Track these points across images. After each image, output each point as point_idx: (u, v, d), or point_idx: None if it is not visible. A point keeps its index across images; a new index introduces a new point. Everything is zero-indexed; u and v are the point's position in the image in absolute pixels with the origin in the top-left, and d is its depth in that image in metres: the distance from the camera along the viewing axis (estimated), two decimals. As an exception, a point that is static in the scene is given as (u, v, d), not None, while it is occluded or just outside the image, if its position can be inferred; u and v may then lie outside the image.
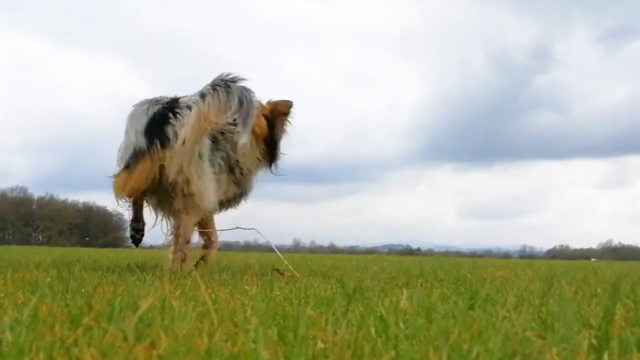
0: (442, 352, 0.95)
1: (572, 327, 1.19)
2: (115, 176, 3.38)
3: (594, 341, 1.08)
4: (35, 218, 56.15)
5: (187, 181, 3.34)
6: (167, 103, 3.34)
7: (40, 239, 56.28)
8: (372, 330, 1.15)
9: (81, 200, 60.39)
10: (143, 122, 3.30)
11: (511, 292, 2.25)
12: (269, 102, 3.76)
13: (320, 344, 1.03)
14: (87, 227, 57.09)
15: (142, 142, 3.27)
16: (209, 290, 2.00)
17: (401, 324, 1.21)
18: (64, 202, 58.64)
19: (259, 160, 3.71)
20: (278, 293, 2.04)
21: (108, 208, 60.29)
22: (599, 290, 2.45)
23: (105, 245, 40.95)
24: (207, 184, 3.42)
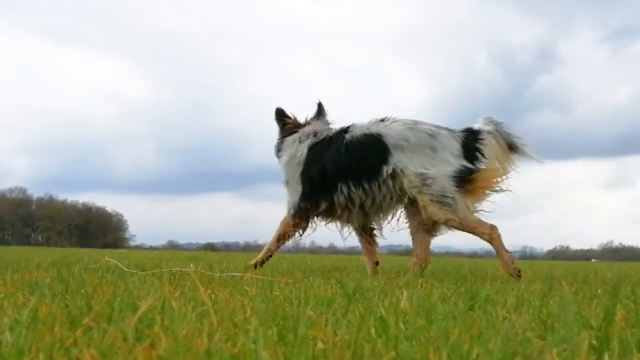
0: (442, 353, 0.95)
1: (572, 327, 1.19)
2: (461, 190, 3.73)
3: (594, 342, 1.07)
4: (34, 219, 56.14)
5: None
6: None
7: (40, 239, 56.27)
8: (372, 331, 1.15)
9: (80, 201, 60.48)
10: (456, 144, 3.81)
11: (511, 292, 2.25)
12: None
13: (320, 345, 1.03)
14: (86, 228, 57.11)
15: (467, 164, 3.77)
16: (209, 291, 2.00)
17: (401, 324, 1.21)
18: (64, 203, 58.68)
19: None
20: (278, 293, 2.03)
21: (107, 209, 60.51)
22: (599, 291, 2.45)
23: (105, 245, 40.94)
24: None
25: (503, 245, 3.69)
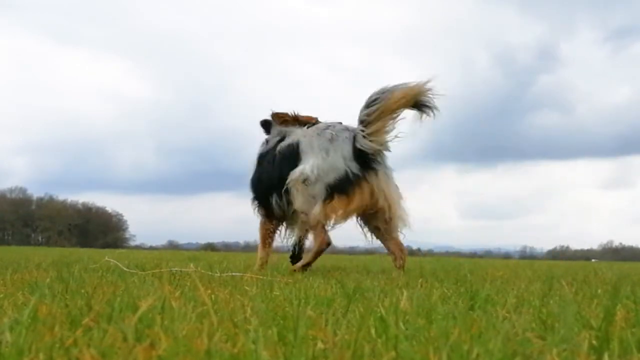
0: (442, 353, 0.95)
1: (572, 327, 1.19)
2: (327, 200, 3.79)
3: (594, 342, 1.07)
4: (34, 218, 56.12)
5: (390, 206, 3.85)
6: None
7: (40, 239, 56.24)
8: (372, 331, 1.15)
9: (80, 201, 60.46)
10: (348, 148, 3.80)
11: (511, 292, 2.25)
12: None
13: (320, 345, 1.03)
14: (86, 228, 57.09)
15: (354, 167, 3.76)
16: (209, 291, 2.00)
17: (401, 324, 1.21)
18: (64, 203, 58.67)
19: None
20: (278, 293, 2.03)
21: (107, 209, 60.51)
22: (599, 291, 2.45)
23: (105, 245, 40.93)
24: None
25: (315, 256, 3.88)
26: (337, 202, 3.76)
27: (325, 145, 3.89)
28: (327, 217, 3.81)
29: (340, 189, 3.76)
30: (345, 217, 3.86)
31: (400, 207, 3.90)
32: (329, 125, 4.02)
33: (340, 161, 3.80)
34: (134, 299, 1.49)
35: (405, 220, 3.95)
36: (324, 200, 3.78)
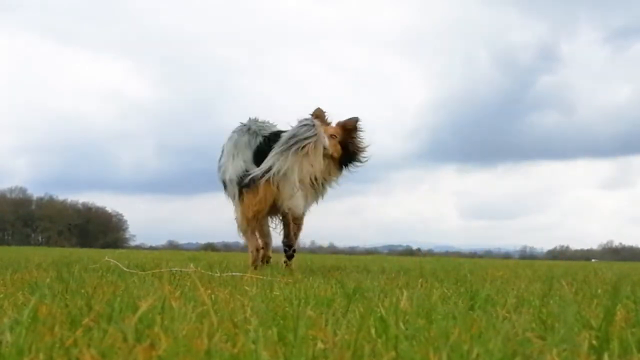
0: (442, 353, 0.95)
1: (572, 327, 1.19)
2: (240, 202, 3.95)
3: (594, 342, 1.07)
4: (34, 219, 56.05)
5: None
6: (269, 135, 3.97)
7: (40, 239, 56.18)
8: (372, 331, 1.15)
9: (80, 201, 60.38)
10: (249, 153, 3.93)
11: (511, 292, 2.25)
12: (337, 124, 4.26)
13: (320, 345, 1.03)
14: (86, 228, 57.04)
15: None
16: (209, 291, 2.00)
17: (401, 324, 1.21)
18: (64, 203, 58.57)
19: (335, 174, 4.29)
20: (278, 293, 2.03)
21: (107, 209, 60.45)
22: (599, 291, 2.45)
23: (105, 246, 40.90)
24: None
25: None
26: (245, 204, 3.88)
27: (231, 150, 4.02)
28: (246, 222, 3.95)
29: (243, 192, 3.87)
30: (254, 218, 3.95)
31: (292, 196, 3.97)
32: (241, 128, 4.09)
33: (241, 165, 3.91)
34: (134, 299, 1.49)
35: (290, 204, 3.97)
36: (240, 203, 3.92)
